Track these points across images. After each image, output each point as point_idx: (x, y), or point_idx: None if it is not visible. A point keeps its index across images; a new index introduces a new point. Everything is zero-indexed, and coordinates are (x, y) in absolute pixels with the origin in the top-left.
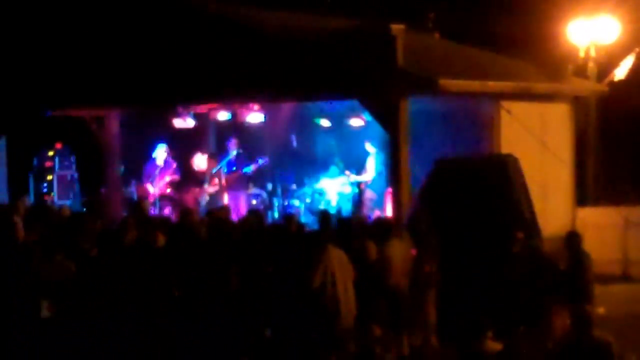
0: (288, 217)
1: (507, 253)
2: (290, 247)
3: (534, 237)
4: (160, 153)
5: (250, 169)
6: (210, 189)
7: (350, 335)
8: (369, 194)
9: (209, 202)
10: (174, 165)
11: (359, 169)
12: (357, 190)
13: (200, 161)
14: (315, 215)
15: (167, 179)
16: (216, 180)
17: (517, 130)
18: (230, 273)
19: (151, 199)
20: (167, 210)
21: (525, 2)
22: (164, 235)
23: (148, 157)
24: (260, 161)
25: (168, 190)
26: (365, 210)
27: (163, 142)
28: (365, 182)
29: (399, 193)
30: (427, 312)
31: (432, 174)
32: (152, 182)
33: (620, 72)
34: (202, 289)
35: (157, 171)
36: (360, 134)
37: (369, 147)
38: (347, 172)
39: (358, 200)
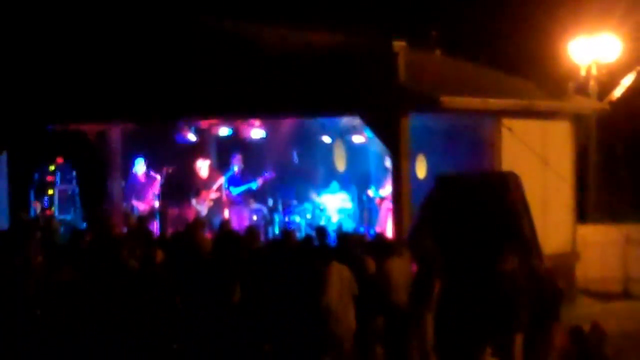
0: (286, 232)
1: (497, 271)
2: (289, 263)
3: (534, 255)
4: (140, 168)
5: (257, 184)
6: (212, 194)
7: (348, 352)
8: (384, 210)
9: (207, 215)
10: (157, 178)
11: (369, 184)
12: (366, 206)
13: (202, 166)
14: (313, 231)
15: (155, 193)
16: (215, 189)
17: (518, 148)
18: (233, 287)
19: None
20: (155, 225)
21: (527, 20)
22: (162, 251)
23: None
24: (267, 174)
25: (155, 204)
26: (382, 225)
27: (141, 157)
28: (383, 198)
29: (400, 209)
30: (426, 329)
31: (434, 191)
32: (137, 198)
33: (619, 91)
34: (203, 303)
35: (141, 186)
36: (364, 150)
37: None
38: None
39: (368, 217)
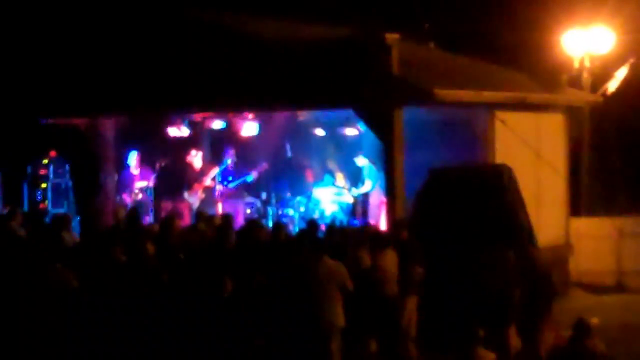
0: (277, 226)
1: (491, 262)
2: (279, 257)
3: (532, 247)
4: (132, 161)
5: (252, 176)
6: (205, 183)
7: (336, 347)
8: (375, 200)
9: (200, 208)
10: (149, 171)
11: (357, 180)
12: (359, 200)
13: (194, 157)
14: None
15: (141, 184)
16: (208, 180)
17: (512, 140)
18: (224, 281)
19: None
20: (147, 218)
21: (520, 12)
22: (153, 244)
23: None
24: (260, 166)
25: (140, 197)
26: (371, 218)
27: (135, 150)
28: (366, 193)
29: (393, 202)
30: (407, 314)
31: (427, 184)
32: (127, 192)
33: (613, 85)
34: (195, 296)
35: (131, 179)
36: (355, 144)
37: (361, 160)
38: (342, 183)
39: (362, 209)
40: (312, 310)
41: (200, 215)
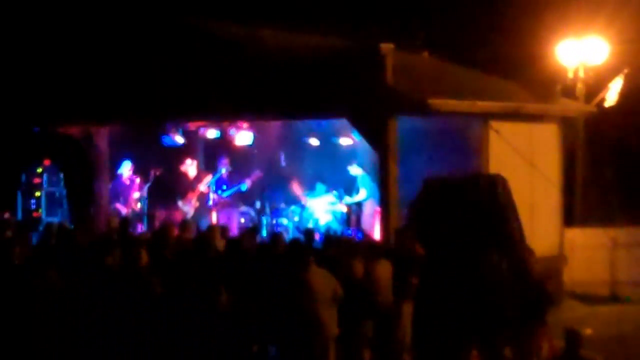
0: (274, 236)
1: (484, 272)
2: (274, 266)
3: (525, 256)
4: (126, 170)
5: (246, 185)
6: (199, 188)
7: (332, 356)
8: (369, 209)
9: (194, 217)
10: (138, 181)
11: (351, 189)
12: (353, 209)
13: (189, 166)
14: (301, 233)
15: (136, 195)
16: (202, 187)
17: (506, 150)
18: (219, 291)
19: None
20: (139, 228)
21: (515, 22)
22: (147, 253)
23: (138, 175)
24: (254, 174)
25: (139, 206)
26: (364, 227)
27: (128, 159)
28: (361, 203)
29: (388, 212)
30: (404, 322)
31: (421, 193)
32: (120, 201)
33: (611, 97)
34: (189, 304)
35: (124, 188)
36: (349, 154)
37: (355, 169)
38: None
39: (356, 219)
40: (304, 319)
41: (184, 225)
